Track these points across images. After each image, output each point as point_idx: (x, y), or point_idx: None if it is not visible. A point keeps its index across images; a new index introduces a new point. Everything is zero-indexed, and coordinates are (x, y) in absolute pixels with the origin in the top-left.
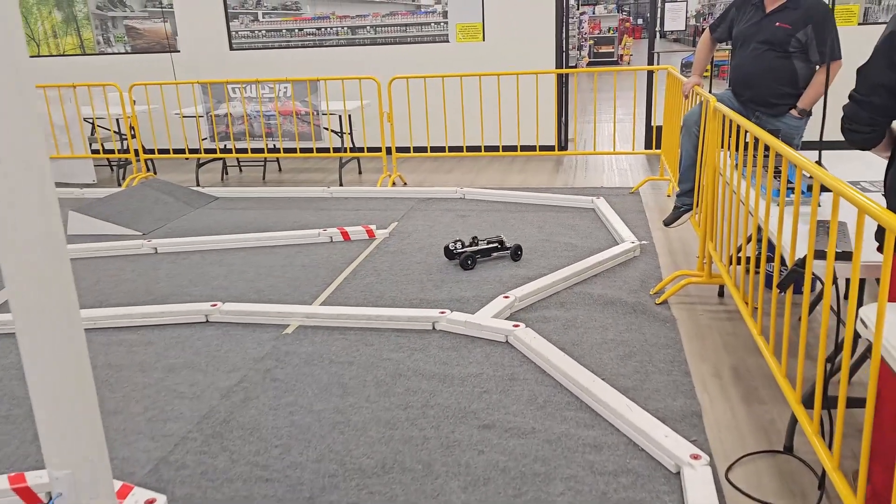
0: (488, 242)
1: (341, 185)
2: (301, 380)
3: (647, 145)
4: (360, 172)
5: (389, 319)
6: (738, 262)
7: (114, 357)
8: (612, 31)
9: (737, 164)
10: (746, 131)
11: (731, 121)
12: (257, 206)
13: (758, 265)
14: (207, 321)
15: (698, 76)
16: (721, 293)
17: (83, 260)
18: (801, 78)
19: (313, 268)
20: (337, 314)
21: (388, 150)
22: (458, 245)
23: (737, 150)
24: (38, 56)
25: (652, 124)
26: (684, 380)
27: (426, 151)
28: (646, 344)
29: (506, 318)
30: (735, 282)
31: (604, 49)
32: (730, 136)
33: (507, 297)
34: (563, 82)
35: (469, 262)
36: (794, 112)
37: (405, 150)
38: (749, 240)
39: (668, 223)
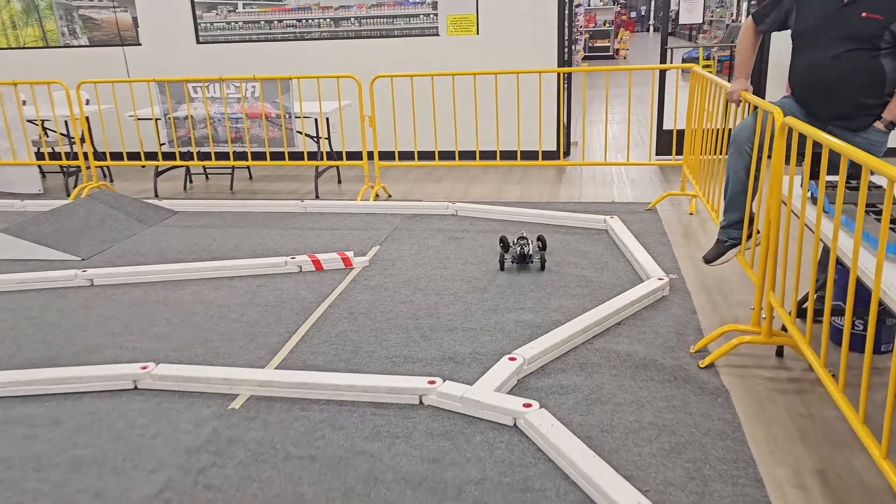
0: (520, 239)
1: (317, 196)
2: (244, 487)
3: (660, 151)
4: (339, 181)
5: (365, 391)
6: (801, 314)
7: (6, 445)
8: (607, 25)
9: (814, 197)
10: (843, 156)
11: (807, 139)
12: (220, 222)
13: (831, 314)
14: (136, 388)
15: (745, 79)
16: (780, 353)
17: (2, 297)
18: (889, 82)
19: (276, 308)
20: (298, 382)
21: (371, 156)
22: (521, 248)
23: (815, 178)
24: None
25: (664, 128)
26: (757, 493)
27: (413, 158)
28: (696, 431)
29: (513, 388)
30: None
31: (599, 43)
32: (815, 161)
33: (513, 358)
34: (565, 82)
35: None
36: (878, 125)
37: (389, 155)
38: (819, 287)
39: (709, 261)
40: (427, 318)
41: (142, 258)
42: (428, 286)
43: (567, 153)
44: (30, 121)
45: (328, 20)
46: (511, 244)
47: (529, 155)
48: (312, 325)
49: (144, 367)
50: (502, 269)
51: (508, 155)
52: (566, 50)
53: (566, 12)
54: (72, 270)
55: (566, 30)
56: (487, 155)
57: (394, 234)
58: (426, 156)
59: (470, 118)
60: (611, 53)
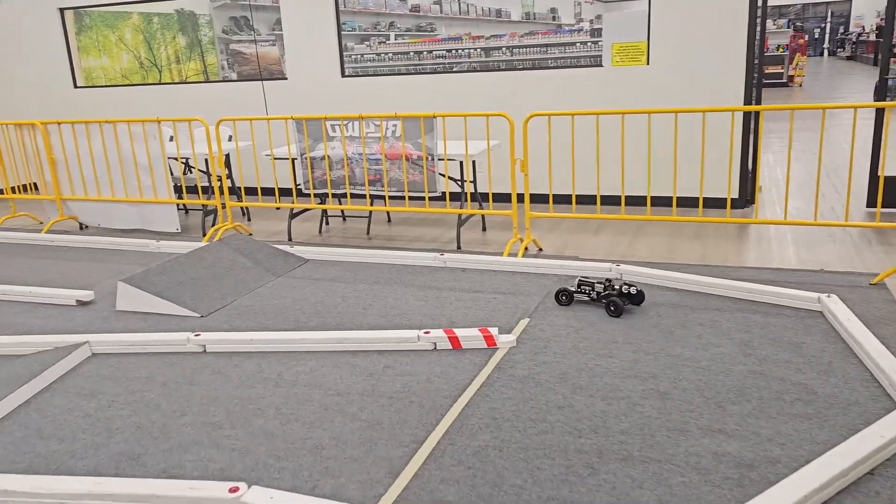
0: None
1: (459, 247)
2: None
3: (871, 202)
4: (483, 229)
5: None
6: None
7: None
8: (781, 49)
9: None
10: None
11: None
12: (351, 276)
13: None
14: None
15: None
16: None
17: (112, 358)
18: None
19: (403, 402)
20: None
21: (521, 198)
22: (619, 288)
23: None
24: (131, 85)
25: (879, 174)
26: None
27: (569, 203)
28: None
29: None
30: None
31: (771, 69)
32: None
33: None
34: (753, 121)
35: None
36: None
37: (541, 199)
38: None
39: None
40: (592, 434)
41: (262, 318)
42: (591, 383)
43: (751, 201)
44: (171, 157)
45: (478, 50)
46: (578, 291)
47: (709, 203)
48: (445, 432)
49: (234, 490)
50: (619, 314)
51: (683, 202)
52: (755, 83)
53: (756, 38)
54: (185, 334)
55: (756, 61)
56: (659, 202)
57: (546, 302)
58: (585, 201)
59: (639, 160)
60: (784, 81)
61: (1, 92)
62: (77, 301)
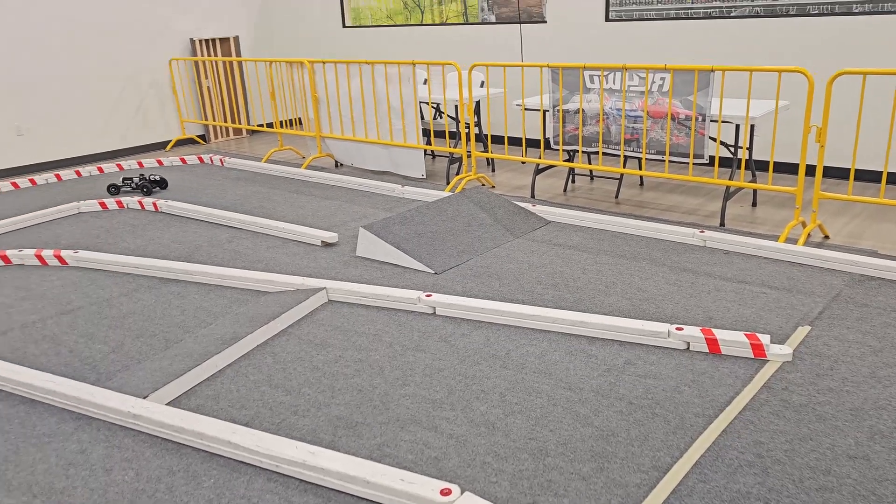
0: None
1: (722, 224)
2: None
3: None
4: (753, 203)
5: None
6: None
7: None
8: None
9: None
10: None
11: None
12: (594, 244)
13: None
14: None
15: None
16: None
17: (345, 308)
18: None
19: (645, 412)
20: None
21: (808, 172)
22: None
23: None
24: (393, 26)
25: None
26: None
27: (870, 182)
28: None
29: None
30: None
31: None
32: None
33: None
34: None
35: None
36: None
37: (834, 174)
38: None
39: None
40: None
41: (496, 283)
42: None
43: None
44: (422, 101)
45: None
46: (123, 185)
47: None
48: (695, 464)
49: (445, 493)
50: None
51: None
52: None
53: None
54: (416, 293)
55: None
56: None
57: (833, 307)
58: (890, 180)
59: None
60: None
61: (285, 30)
62: (322, 242)
